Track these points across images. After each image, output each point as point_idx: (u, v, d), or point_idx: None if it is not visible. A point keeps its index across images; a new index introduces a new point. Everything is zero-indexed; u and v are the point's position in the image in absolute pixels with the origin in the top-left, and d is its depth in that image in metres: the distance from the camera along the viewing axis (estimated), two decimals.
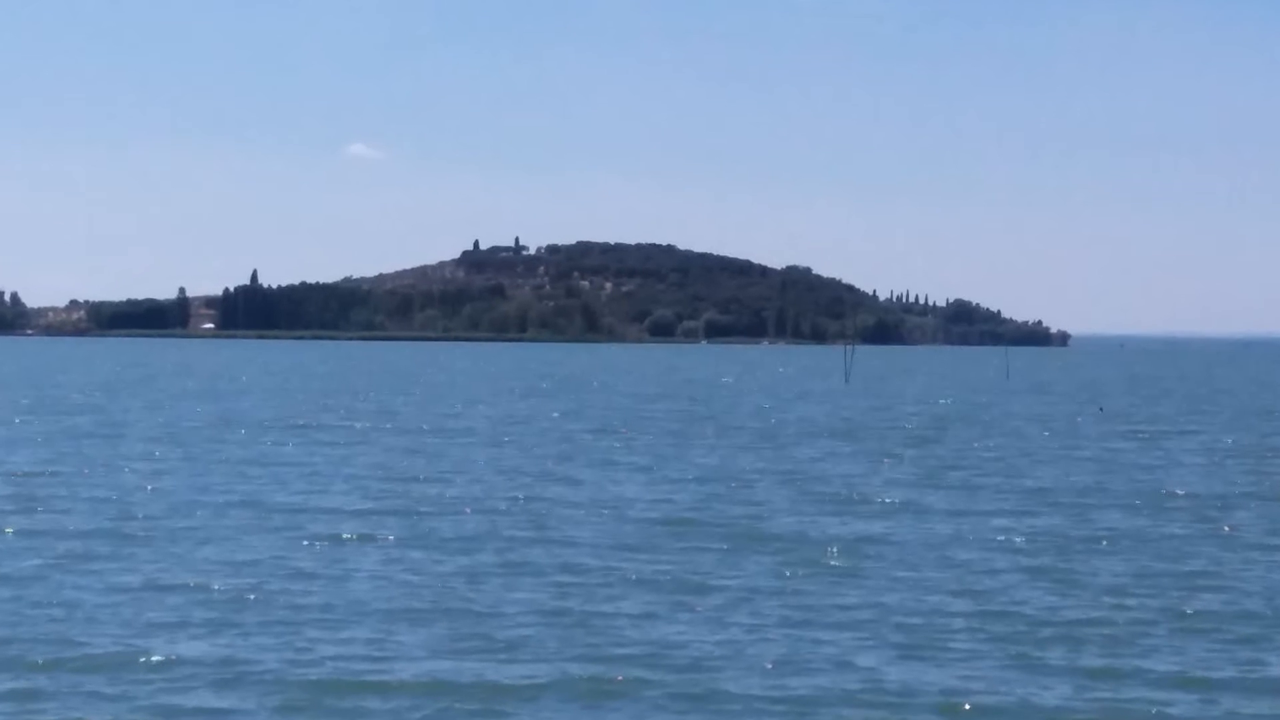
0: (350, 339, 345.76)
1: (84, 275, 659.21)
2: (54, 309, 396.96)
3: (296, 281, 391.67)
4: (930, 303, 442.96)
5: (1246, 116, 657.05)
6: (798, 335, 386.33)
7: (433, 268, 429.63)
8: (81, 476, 45.87)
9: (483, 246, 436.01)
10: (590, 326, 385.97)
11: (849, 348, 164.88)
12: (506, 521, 36.39)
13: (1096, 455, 59.00)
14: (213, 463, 50.79)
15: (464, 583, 27.88)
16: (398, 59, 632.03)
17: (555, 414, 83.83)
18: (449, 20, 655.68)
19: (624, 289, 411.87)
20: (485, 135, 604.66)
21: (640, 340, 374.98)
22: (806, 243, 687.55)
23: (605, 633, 23.71)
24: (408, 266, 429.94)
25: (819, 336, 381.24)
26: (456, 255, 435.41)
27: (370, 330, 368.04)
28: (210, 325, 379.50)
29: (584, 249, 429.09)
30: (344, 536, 33.51)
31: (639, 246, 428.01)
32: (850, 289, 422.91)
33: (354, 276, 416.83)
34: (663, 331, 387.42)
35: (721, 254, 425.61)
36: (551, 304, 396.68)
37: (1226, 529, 36.71)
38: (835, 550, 32.18)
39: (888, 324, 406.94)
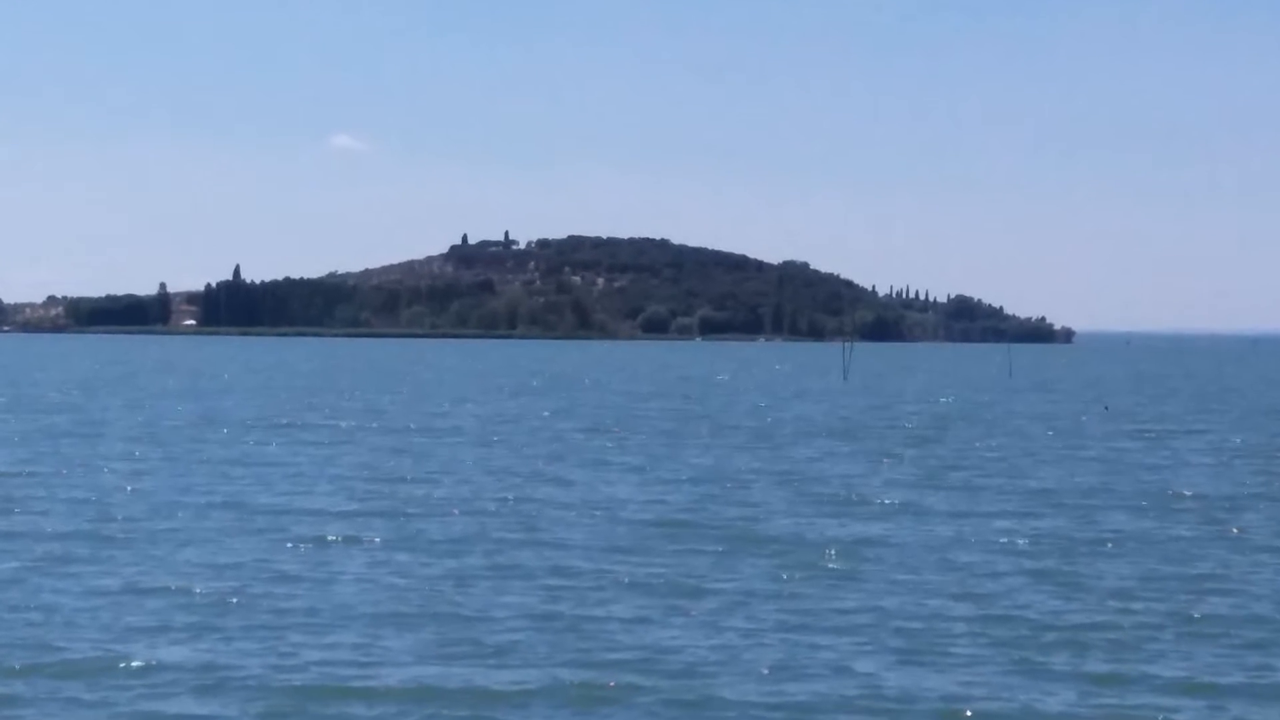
0: (335, 336, 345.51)
1: (62, 270, 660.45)
2: (31, 305, 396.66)
3: (280, 277, 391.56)
4: (931, 298, 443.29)
5: (1254, 107, 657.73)
6: (795, 332, 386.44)
7: (420, 262, 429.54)
8: (59, 477, 45.85)
9: (471, 240, 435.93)
10: (582, 323, 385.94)
11: (847, 345, 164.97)
12: (496, 523, 36.41)
13: (1101, 455, 59.08)
14: (194, 463, 50.79)
15: (452, 586, 27.90)
16: (383, 46, 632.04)
17: (546, 413, 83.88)
18: (437, 6, 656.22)
19: (616, 284, 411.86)
20: (474, 125, 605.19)
21: (633, 337, 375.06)
22: (804, 237, 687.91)
23: (597, 637, 23.73)
24: (394, 261, 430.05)
25: (817, 333, 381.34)
26: (444, 249, 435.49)
27: (356, 327, 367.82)
28: (192, 322, 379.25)
29: (575, 243, 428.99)
30: (329, 539, 33.52)
31: (632, 241, 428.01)
32: (849, 284, 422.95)
33: (339, 272, 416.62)
34: (656, 328, 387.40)
35: (717, 248, 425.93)
36: (542, 300, 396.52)
37: (1235, 531, 36.77)
38: (833, 553, 32.22)
39: (887, 320, 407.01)
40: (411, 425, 71.83)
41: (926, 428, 75.29)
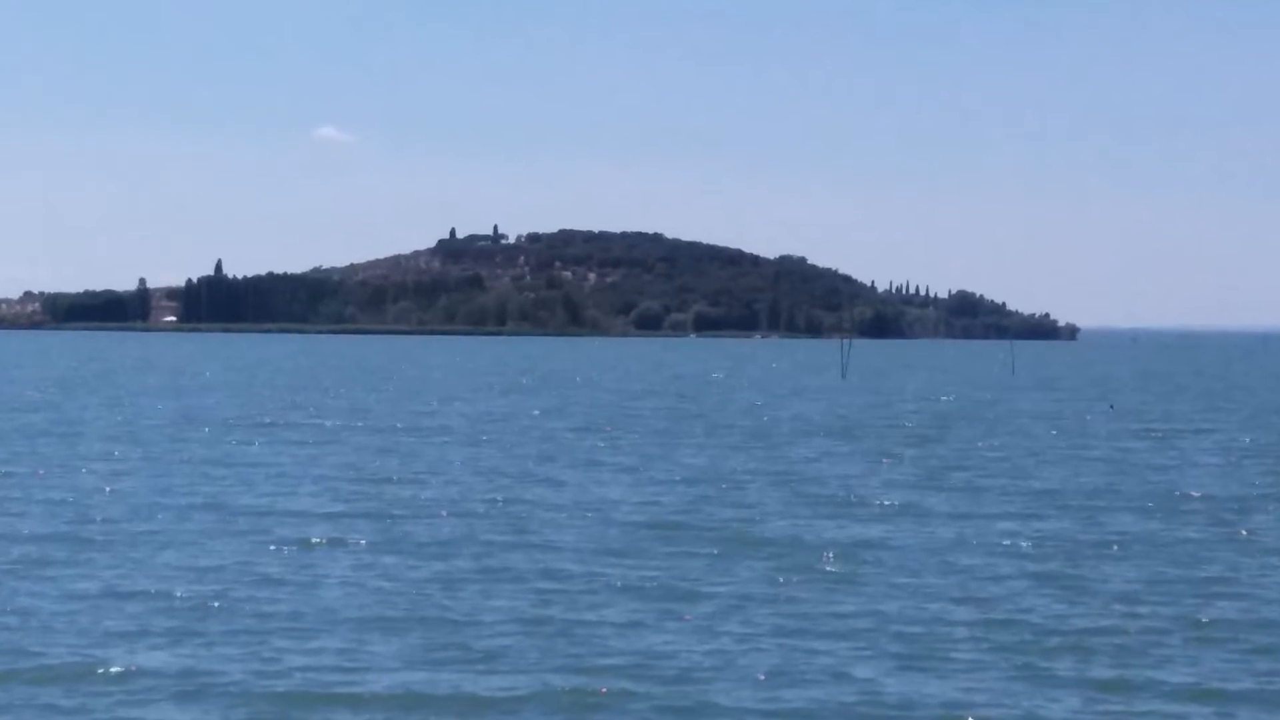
0: (320, 332, 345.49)
1: (39, 265, 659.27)
2: (7, 300, 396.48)
3: (263, 272, 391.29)
4: (931, 294, 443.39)
5: (1264, 98, 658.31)
6: (792, 328, 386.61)
7: (406, 257, 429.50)
8: (36, 478, 45.83)
9: (459, 235, 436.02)
10: (573, 319, 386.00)
11: (846, 341, 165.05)
12: (485, 525, 36.42)
13: (1107, 455, 59.14)
14: (175, 463, 50.78)
15: (440, 589, 27.90)
16: (369, 35, 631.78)
17: (536, 411, 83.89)
18: None
19: (608, 279, 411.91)
20: (462, 117, 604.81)
21: (625, 333, 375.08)
22: (801, 231, 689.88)
23: (588, 642, 23.74)
24: (380, 256, 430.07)
25: (814, 330, 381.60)
26: (432, 244, 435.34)
27: (341, 323, 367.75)
28: (172, 318, 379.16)
29: (566, 237, 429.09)
30: (313, 541, 33.51)
31: (624, 235, 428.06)
32: (847, 280, 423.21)
33: (323, 266, 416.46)
34: (649, 324, 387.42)
35: (711, 243, 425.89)
36: (532, 295, 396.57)
37: (1244, 533, 36.82)
38: (831, 555, 32.24)
39: (887, 316, 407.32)
40: (398, 424, 71.82)
41: (927, 427, 75.33)
